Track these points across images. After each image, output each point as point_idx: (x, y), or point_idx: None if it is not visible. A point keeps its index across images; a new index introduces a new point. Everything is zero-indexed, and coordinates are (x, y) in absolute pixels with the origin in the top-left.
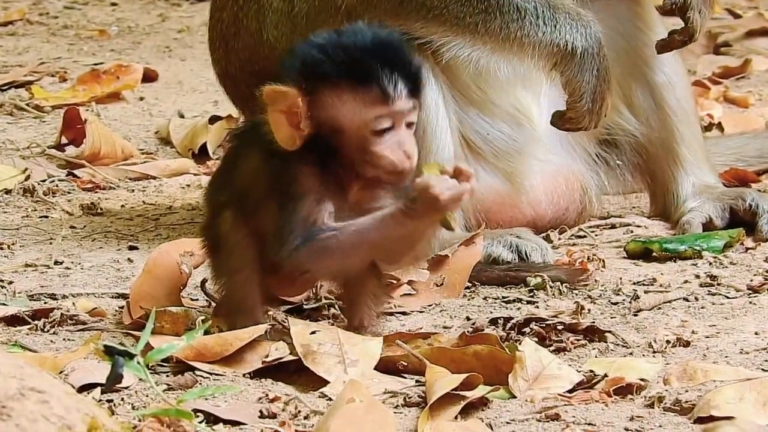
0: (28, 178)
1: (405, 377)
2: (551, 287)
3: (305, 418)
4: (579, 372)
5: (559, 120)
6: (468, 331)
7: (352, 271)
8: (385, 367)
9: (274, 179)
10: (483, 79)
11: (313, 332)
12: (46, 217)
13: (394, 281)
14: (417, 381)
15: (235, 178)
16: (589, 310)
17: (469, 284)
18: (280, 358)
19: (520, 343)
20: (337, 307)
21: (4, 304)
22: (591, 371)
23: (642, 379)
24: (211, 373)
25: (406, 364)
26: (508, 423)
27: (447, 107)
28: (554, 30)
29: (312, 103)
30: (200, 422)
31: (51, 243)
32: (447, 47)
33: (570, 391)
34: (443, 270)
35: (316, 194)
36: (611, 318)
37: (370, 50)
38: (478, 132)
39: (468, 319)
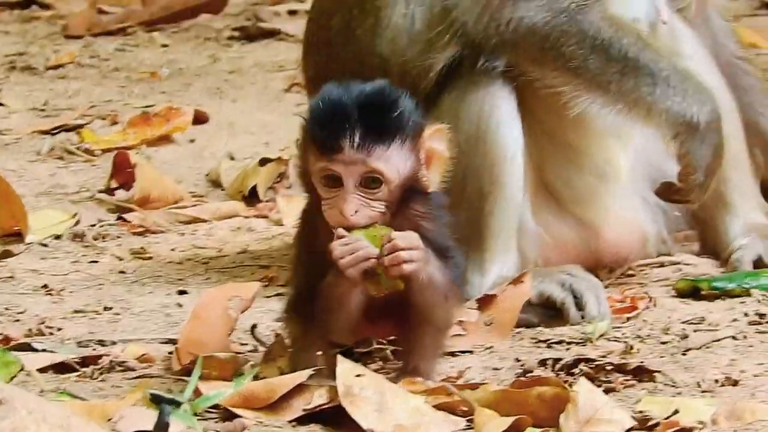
0: (77, 222)
1: (457, 416)
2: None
3: None
4: (631, 414)
5: (667, 191)
6: (517, 374)
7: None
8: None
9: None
10: (584, 128)
11: (359, 375)
12: (96, 262)
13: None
14: (467, 424)
15: None
16: (638, 349)
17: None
18: (323, 405)
19: (572, 385)
20: (389, 351)
21: (53, 351)
22: (641, 412)
23: (700, 422)
24: (257, 421)
25: (466, 409)
26: None
27: (528, 151)
28: (683, 101)
29: (302, 146)
30: None
31: (101, 288)
32: (576, 101)
33: None
34: (492, 309)
35: (311, 253)
36: (660, 357)
37: (332, 102)
38: (561, 177)
39: (517, 360)
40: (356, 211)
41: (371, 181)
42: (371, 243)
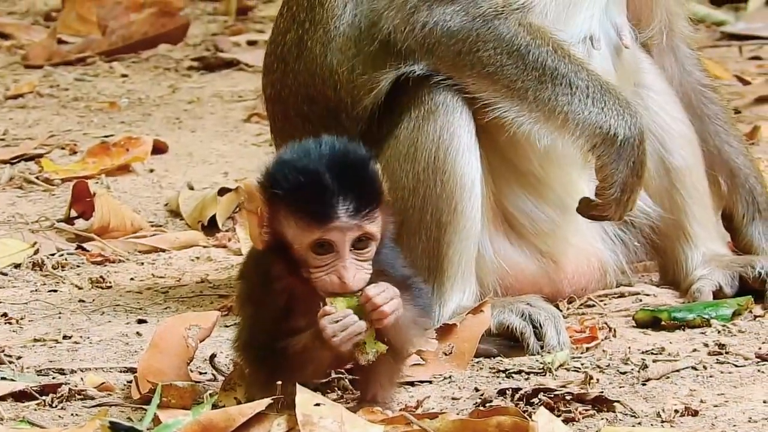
0: (37, 252)
1: None
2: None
3: None
4: None
5: (586, 206)
6: (476, 403)
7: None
8: None
9: (249, 269)
10: (547, 158)
11: (318, 404)
12: (55, 291)
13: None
14: None
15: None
16: (597, 379)
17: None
18: None
19: (531, 415)
20: (348, 380)
21: (12, 380)
22: None
23: None
24: None
25: None
26: None
27: (486, 183)
28: (600, 112)
29: (269, 212)
30: None
31: (60, 317)
32: (492, 108)
33: None
34: (451, 339)
35: (271, 306)
36: (620, 387)
37: (316, 172)
38: (521, 208)
39: (476, 390)
40: (354, 276)
41: (361, 243)
42: (353, 311)
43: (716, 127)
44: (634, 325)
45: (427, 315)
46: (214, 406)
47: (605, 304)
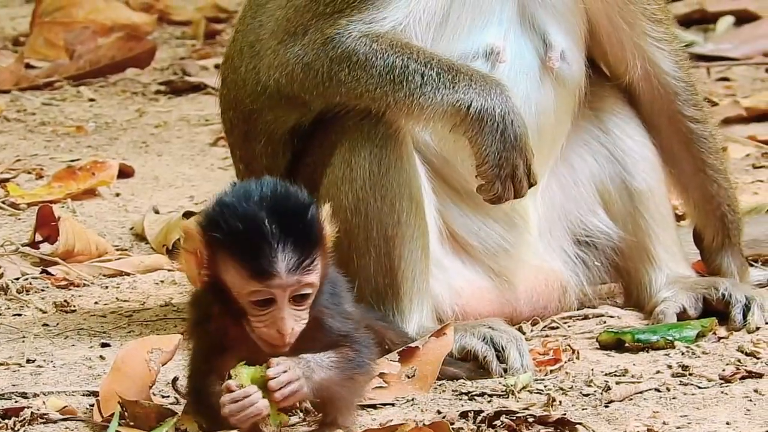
0: (1, 276)
1: None
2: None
3: None
4: None
5: (479, 192)
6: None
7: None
8: None
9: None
10: None
11: None
12: (20, 315)
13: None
14: None
15: None
16: (560, 402)
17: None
18: None
19: None
20: (309, 402)
21: None
22: None
23: None
24: None
25: None
26: None
27: (429, 206)
28: (452, 92)
29: (208, 255)
30: None
31: (23, 341)
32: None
33: None
34: (414, 362)
35: (210, 347)
36: (582, 410)
37: (256, 221)
38: (468, 228)
39: (439, 412)
40: (292, 329)
41: (302, 295)
42: (255, 384)
43: (696, 153)
44: (598, 347)
45: (364, 372)
46: (177, 430)
47: (569, 326)
